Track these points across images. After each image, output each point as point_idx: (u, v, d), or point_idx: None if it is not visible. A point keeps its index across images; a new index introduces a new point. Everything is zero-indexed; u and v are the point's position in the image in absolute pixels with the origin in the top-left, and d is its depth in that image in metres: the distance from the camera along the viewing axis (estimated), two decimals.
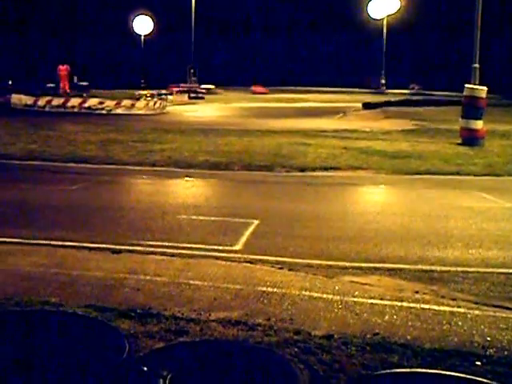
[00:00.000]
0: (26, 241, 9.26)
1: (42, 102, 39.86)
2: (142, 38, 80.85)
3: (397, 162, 17.70)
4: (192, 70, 65.72)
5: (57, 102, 39.80)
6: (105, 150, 19.57)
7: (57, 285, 7.13)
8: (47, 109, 38.90)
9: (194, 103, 50.74)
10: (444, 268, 8.38)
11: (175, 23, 78.54)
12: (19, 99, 40.13)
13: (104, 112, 37.77)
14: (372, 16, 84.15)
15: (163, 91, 52.65)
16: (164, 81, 64.15)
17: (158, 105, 40.26)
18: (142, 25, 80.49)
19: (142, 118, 34.35)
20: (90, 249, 8.93)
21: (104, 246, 9.08)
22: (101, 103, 39.03)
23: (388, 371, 4.04)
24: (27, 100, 40.13)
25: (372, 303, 6.84)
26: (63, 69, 44.18)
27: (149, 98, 43.61)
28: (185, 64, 67.12)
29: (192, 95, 56.88)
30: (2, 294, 6.63)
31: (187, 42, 66.88)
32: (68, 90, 45.25)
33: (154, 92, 50.99)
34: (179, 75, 66.35)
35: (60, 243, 9.17)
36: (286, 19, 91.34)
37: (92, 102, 39.44)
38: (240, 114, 38.79)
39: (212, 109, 43.32)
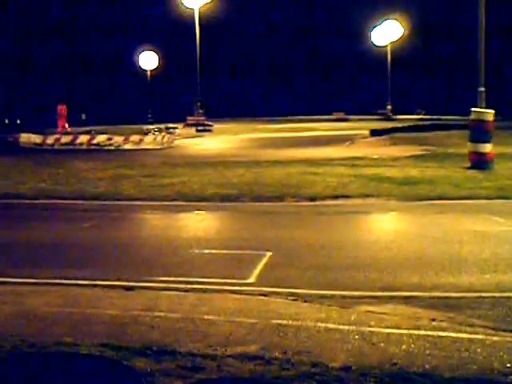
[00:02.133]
0: (38, 280, 9.25)
1: (50, 140, 40.08)
2: (148, 73, 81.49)
3: (407, 188, 17.65)
4: (199, 103, 66.04)
5: (65, 139, 40.00)
6: (114, 186, 19.60)
7: (71, 324, 7.10)
8: (56, 147, 39.09)
9: (201, 136, 50.92)
10: (460, 294, 8.31)
11: (180, 58, 79.11)
12: (28, 138, 40.36)
13: (112, 148, 37.91)
14: (376, 43, 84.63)
15: (171, 125, 52.89)
16: (171, 115, 64.51)
17: (165, 139, 40.40)
18: (148, 60, 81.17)
19: (150, 153, 34.46)
20: (103, 286, 8.90)
21: (117, 283, 9.06)
22: (109, 139, 39.19)
23: None
24: (36, 138, 40.35)
25: (388, 332, 6.78)
26: (62, 108, 44.66)
27: (156, 133, 43.77)
28: (191, 98, 67.47)
29: (200, 128, 57.11)
30: (17, 335, 6.60)
31: (193, 76, 67.24)
32: (68, 129, 45.59)
33: (162, 126, 51.23)
34: (186, 109, 66.70)
35: (72, 282, 9.15)
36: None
37: (100, 138, 39.61)
38: (248, 145, 38.88)
39: (220, 141, 43.45)
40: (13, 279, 9.33)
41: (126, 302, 8.09)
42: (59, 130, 46.02)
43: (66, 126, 45.18)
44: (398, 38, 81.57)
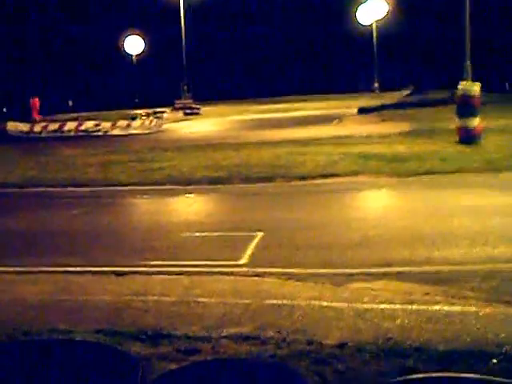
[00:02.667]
0: (30, 269, 9.23)
1: (37, 128, 39.88)
2: (134, 57, 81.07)
3: (396, 164, 17.65)
4: (186, 87, 65.80)
5: (52, 126, 39.79)
6: (103, 172, 19.53)
7: (64, 311, 7.10)
8: (43, 134, 38.89)
9: (189, 119, 50.78)
10: (451, 268, 8.35)
11: (166, 41, 78.68)
12: (15, 126, 40.15)
13: (100, 134, 37.75)
14: (361, 22, 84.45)
15: (158, 109, 52.70)
16: (158, 99, 64.29)
17: (153, 123, 40.25)
18: (133, 44, 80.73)
19: (138, 138, 34.35)
20: (95, 273, 8.89)
21: (108, 269, 9.04)
22: (96, 125, 39.02)
23: (405, 378, 3.98)
24: (23, 127, 40.14)
25: (382, 308, 6.81)
26: (34, 101, 44.29)
27: (144, 117, 43.59)
28: (178, 81, 67.19)
29: (187, 111, 56.92)
30: (10, 324, 6.59)
31: (179, 59, 66.93)
32: (38, 118, 45.05)
33: (150, 111, 51.03)
34: (173, 93, 66.44)
35: (64, 269, 9.13)
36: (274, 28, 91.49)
37: (88, 124, 39.43)
38: (236, 127, 38.79)
39: (208, 124, 43.33)
40: (3, 268, 9.31)
41: (119, 287, 8.08)
42: (33, 119, 45.23)
43: (37, 118, 44.62)
44: (383, 15, 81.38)
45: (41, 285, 8.31)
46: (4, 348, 3.95)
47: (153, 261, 9.36)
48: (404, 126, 30.34)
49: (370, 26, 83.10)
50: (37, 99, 43.81)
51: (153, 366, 5.27)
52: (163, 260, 9.39)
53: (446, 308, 6.72)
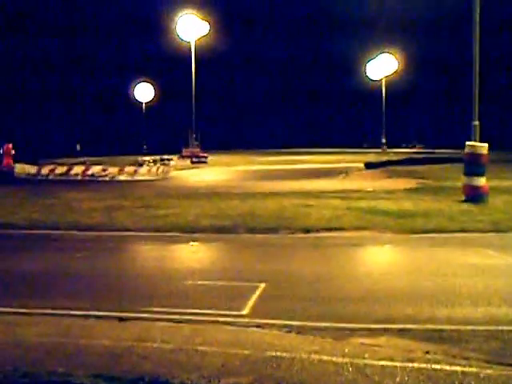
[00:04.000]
0: (32, 311, 9.22)
1: (45, 170, 40.11)
2: (144, 104, 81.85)
3: (401, 221, 17.67)
4: (194, 135, 66.32)
5: (60, 170, 40.04)
6: (108, 216, 19.58)
7: (64, 354, 7.07)
8: (51, 177, 39.12)
9: (196, 167, 51.05)
10: (454, 327, 8.30)
11: (175, 90, 79.47)
12: (22, 168, 40.40)
13: (107, 179, 37.97)
14: (370, 77, 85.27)
15: (165, 156, 53.03)
16: (166, 146, 64.75)
17: (160, 170, 40.50)
18: (143, 92, 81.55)
19: (145, 184, 34.50)
20: (96, 317, 8.87)
21: (110, 313, 9.03)
22: (104, 170, 39.26)
23: None
24: (30, 169, 40.38)
25: (382, 365, 6.76)
26: (8, 147, 43.51)
27: (151, 164, 43.85)
28: (186, 130, 67.71)
29: (195, 160, 57.29)
30: (10, 365, 6.56)
31: (188, 108, 67.54)
32: (8, 165, 43.50)
33: (157, 157, 51.35)
34: (181, 141, 66.93)
35: (65, 312, 9.12)
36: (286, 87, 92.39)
37: (95, 169, 39.68)
38: (243, 177, 38.98)
39: (215, 173, 43.55)
40: (5, 309, 9.30)
41: (119, 332, 8.06)
42: (4, 167, 43.78)
43: (11, 163, 43.53)
44: (392, 71, 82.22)
45: (42, 327, 8.29)
46: None
47: (155, 307, 9.34)
48: (410, 183, 30.46)
49: (379, 81, 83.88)
50: (10, 145, 43.27)
51: None
52: (165, 307, 9.36)
53: (447, 368, 6.68)
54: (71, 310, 9.22)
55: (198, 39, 66.62)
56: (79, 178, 38.68)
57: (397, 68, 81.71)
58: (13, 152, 42.96)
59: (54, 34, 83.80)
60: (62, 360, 6.84)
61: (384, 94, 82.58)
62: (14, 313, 9.13)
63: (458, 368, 6.65)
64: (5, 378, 6.09)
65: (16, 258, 13.84)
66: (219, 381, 6.20)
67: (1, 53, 75.72)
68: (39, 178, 39.00)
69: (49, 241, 16.19)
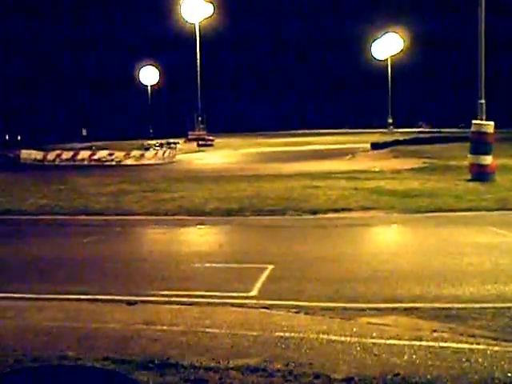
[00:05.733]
0: (41, 296, 9.27)
1: (51, 156, 40.15)
2: (149, 88, 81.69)
3: (408, 200, 17.68)
4: (200, 118, 66.20)
5: (66, 155, 40.07)
6: (116, 201, 19.64)
7: (73, 338, 7.12)
8: (57, 162, 39.18)
9: (203, 151, 51.04)
10: (461, 305, 8.32)
11: (180, 72, 79.28)
12: (29, 154, 40.45)
13: (114, 163, 38.01)
14: (376, 57, 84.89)
15: (172, 140, 53.01)
16: (172, 130, 64.70)
17: (167, 154, 40.50)
18: (148, 75, 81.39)
19: (151, 168, 34.54)
20: (105, 301, 8.93)
21: (119, 297, 9.08)
22: (110, 155, 39.29)
23: None
24: (37, 155, 40.43)
25: (390, 344, 6.80)
26: None
27: (158, 148, 43.87)
28: (192, 113, 67.58)
29: (201, 143, 57.25)
30: (20, 349, 6.62)
31: (194, 90, 67.37)
32: None
33: (163, 141, 51.32)
34: (187, 124, 66.83)
35: (74, 297, 9.17)
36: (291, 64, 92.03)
37: (101, 153, 39.71)
38: (249, 159, 38.97)
39: (221, 156, 43.54)
40: (15, 294, 9.36)
41: (128, 316, 8.11)
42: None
43: None
44: (398, 51, 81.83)
45: (50, 312, 8.35)
46: (13, 373, 4.01)
47: (163, 290, 9.39)
48: (417, 163, 30.42)
49: (385, 61, 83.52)
50: None
51: None
52: (174, 290, 9.41)
53: (454, 345, 6.71)
54: (80, 294, 9.27)
55: (203, 21, 66.31)
56: (85, 163, 38.73)
57: (402, 47, 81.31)
58: None
59: (59, 17, 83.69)
60: (71, 344, 6.89)
61: (390, 74, 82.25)
62: (23, 298, 9.19)
63: (466, 345, 6.68)
64: (15, 362, 6.15)
65: (24, 244, 13.91)
66: (229, 362, 6.23)
67: (6, 37, 75.63)
68: (46, 163, 39.04)
69: (57, 226, 16.26)
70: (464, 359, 6.25)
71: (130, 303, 8.71)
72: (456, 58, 77.08)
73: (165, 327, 7.49)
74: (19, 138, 53.00)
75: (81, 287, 9.74)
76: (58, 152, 40.84)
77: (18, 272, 11.11)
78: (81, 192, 22.48)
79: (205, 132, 63.61)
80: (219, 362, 6.24)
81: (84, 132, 72.70)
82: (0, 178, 28.95)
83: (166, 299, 8.91)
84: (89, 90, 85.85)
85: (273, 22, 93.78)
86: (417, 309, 8.22)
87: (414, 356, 6.38)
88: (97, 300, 8.98)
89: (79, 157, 39.56)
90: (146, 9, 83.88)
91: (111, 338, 7.12)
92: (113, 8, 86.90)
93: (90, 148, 42.67)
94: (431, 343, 6.77)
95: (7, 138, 46.09)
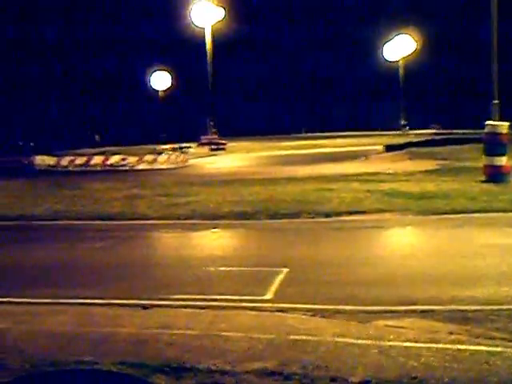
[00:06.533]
0: (56, 300, 9.30)
1: (64, 161, 40.27)
2: (161, 92, 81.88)
3: (422, 202, 17.59)
4: (212, 123, 66.25)
5: (80, 161, 40.17)
6: (129, 205, 19.65)
7: (89, 343, 7.13)
8: (70, 168, 39.28)
9: (215, 155, 51.06)
10: (477, 307, 8.27)
11: (192, 77, 79.43)
12: (42, 160, 40.58)
13: (127, 168, 38.05)
14: (388, 58, 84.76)
15: (184, 144, 53.07)
16: (184, 134, 64.80)
17: (179, 158, 40.53)
18: (160, 80, 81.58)
19: (164, 173, 34.55)
20: (120, 305, 8.93)
21: (134, 301, 9.09)
22: (123, 160, 39.33)
23: None
24: (50, 160, 40.55)
25: (407, 346, 6.77)
26: None
27: (170, 152, 43.91)
28: (204, 117, 67.65)
29: (213, 147, 57.28)
30: (36, 354, 6.63)
31: (205, 94, 67.41)
32: None
33: (176, 146, 51.39)
34: (199, 128, 66.93)
35: (90, 301, 9.19)
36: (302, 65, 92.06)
37: (114, 159, 39.75)
38: (262, 162, 38.94)
39: (234, 159, 43.54)
40: (30, 299, 9.39)
41: (144, 320, 8.11)
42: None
43: None
44: (410, 52, 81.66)
45: (67, 316, 8.36)
46: (29, 378, 4.00)
47: (178, 294, 9.38)
48: (431, 164, 30.28)
49: (397, 62, 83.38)
50: None
51: None
52: (188, 294, 9.41)
53: (472, 348, 6.67)
54: (95, 299, 9.29)
55: (214, 24, 66.36)
56: (99, 168, 38.79)
57: (414, 49, 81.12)
58: None
59: (70, 22, 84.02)
60: (87, 348, 6.90)
61: (402, 76, 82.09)
62: (38, 303, 9.21)
63: (483, 348, 6.64)
64: (32, 366, 6.16)
65: (39, 249, 13.95)
66: (244, 366, 6.22)
67: (18, 40, 75.97)
68: (59, 169, 39.16)
69: (71, 231, 16.30)
70: (482, 362, 6.21)
71: (145, 307, 8.71)
72: (468, 59, 76.87)
73: (180, 331, 7.49)
74: (32, 144, 53.22)
75: (96, 292, 9.76)
76: (72, 158, 40.92)
77: (33, 277, 11.14)
78: (94, 197, 22.51)
79: (217, 136, 63.59)
80: (235, 366, 6.23)
81: (97, 137, 72.92)
82: (14, 184, 29.06)
83: (181, 303, 8.91)
84: (100, 95, 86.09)
85: (284, 25, 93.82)
86: (433, 311, 8.18)
87: (430, 359, 6.35)
88: (112, 304, 8.99)
89: (92, 162, 39.63)
90: (157, 13, 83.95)
91: (127, 342, 7.13)
92: (124, 12, 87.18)
93: (103, 153, 42.72)
94: (448, 346, 6.73)
95: (21, 144, 46.31)
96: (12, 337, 7.51)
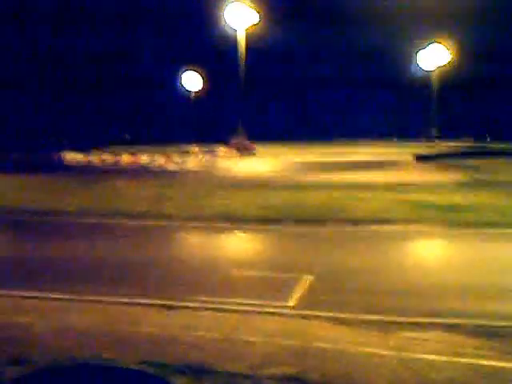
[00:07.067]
0: (79, 297, 9.32)
1: (94, 159, 40.54)
2: (192, 94, 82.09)
3: (451, 215, 17.40)
4: (241, 126, 66.25)
5: (109, 159, 40.43)
6: (156, 205, 19.69)
7: (111, 341, 7.12)
8: (99, 165, 39.53)
9: (244, 158, 51.02)
10: (504, 323, 8.16)
11: (224, 79, 79.57)
12: (73, 157, 40.90)
13: (155, 168, 38.20)
14: (422, 67, 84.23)
15: (213, 147, 53.13)
16: (213, 136, 64.88)
17: (208, 160, 40.61)
18: (191, 81, 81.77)
19: (192, 174, 34.61)
20: (144, 305, 8.93)
21: (157, 301, 9.08)
22: (152, 159, 39.52)
23: None
24: (80, 158, 40.85)
25: (429, 359, 6.67)
26: None
27: (199, 154, 44.00)
28: (234, 119, 67.71)
29: (242, 150, 57.25)
30: (58, 349, 6.63)
31: (237, 97, 67.45)
32: None
33: (204, 148, 51.46)
34: (229, 131, 66.98)
35: (113, 299, 9.20)
36: (336, 73, 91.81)
37: (143, 158, 39.97)
38: (291, 168, 38.84)
39: (263, 163, 43.47)
40: (54, 295, 9.42)
41: (166, 320, 8.10)
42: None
43: None
44: (445, 62, 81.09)
45: (90, 313, 8.38)
46: (50, 372, 4.00)
47: (201, 297, 9.36)
48: (461, 176, 30.01)
49: (430, 71, 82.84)
50: None
51: None
52: (212, 297, 9.38)
53: (497, 364, 6.56)
54: (118, 296, 9.29)
55: (248, 28, 66.38)
56: (128, 166, 38.99)
57: (448, 58, 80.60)
58: None
59: (104, 24, 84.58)
60: (108, 346, 6.88)
61: (434, 85, 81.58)
62: (61, 299, 9.24)
63: (509, 364, 6.54)
64: (53, 361, 6.16)
65: (65, 245, 14.01)
66: (264, 370, 6.17)
67: (54, 44, 76.79)
68: (89, 166, 39.42)
69: (98, 228, 16.35)
70: (507, 379, 6.11)
71: (167, 308, 8.70)
72: (505, 69, 76.20)
73: (202, 333, 7.46)
74: (63, 141, 53.70)
75: (119, 290, 9.77)
76: (102, 156, 41.24)
77: (57, 273, 11.18)
78: (122, 196, 22.59)
79: (246, 139, 63.60)
80: (255, 370, 6.18)
81: (127, 136, 73.31)
82: (44, 180, 29.28)
83: (204, 305, 8.89)
84: (132, 94, 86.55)
85: (316, 31, 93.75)
86: (458, 325, 8.07)
87: (454, 373, 6.25)
88: (135, 303, 8.99)
89: (121, 160, 39.90)
90: (191, 15, 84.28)
91: (149, 342, 7.11)
92: (158, 14, 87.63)
93: (132, 152, 42.93)
94: (472, 360, 6.63)
95: (52, 141, 46.72)
96: (35, 331, 7.53)
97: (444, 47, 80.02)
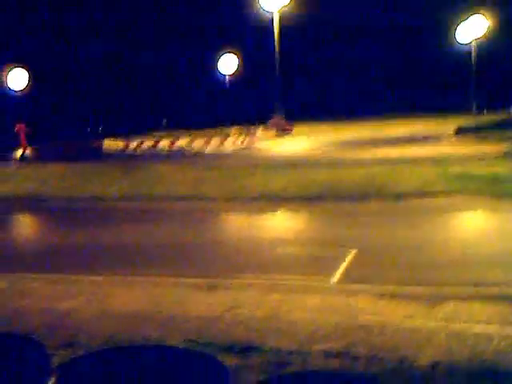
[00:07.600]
0: (125, 279, 9.41)
1: (133, 145, 40.75)
2: (227, 76, 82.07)
3: (494, 186, 17.18)
4: (278, 106, 66.11)
5: (147, 144, 40.61)
6: (196, 187, 19.73)
7: (156, 321, 7.19)
8: (138, 151, 39.73)
9: (282, 137, 50.94)
10: None
11: (259, 60, 79.35)
12: (110, 143, 41.16)
13: (194, 151, 38.29)
14: (460, 41, 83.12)
15: (251, 127, 53.09)
16: (251, 117, 64.80)
17: (246, 141, 40.61)
18: (227, 63, 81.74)
19: (231, 155, 34.64)
20: (188, 285, 8.98)
21: (201, 281, 9.12)
22: (190, 143, 39.61)
23: None
24: (119, 144, 41.09)
25: (477, 330, 6.61)
26: (20, 127, 39.60)
27: (237, 135, 44.00)
28: (271, 100, 67.54)
29: (280, 130, 57.14)
30: (105, 331, 6.71)
31: (273, 78, 67.27)
32: (26, 148, 40.21)
33: (242, 129, 51.45)
34: (266, 111, 66.86)
35: (158, 280, 9.27)
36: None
37: (181, 142, 40.07)
38: (329, 146, 38.66)
39: (300, 142, 43.33)
40: (99, 277, 9.53)
41: (211, 300, 8.13)
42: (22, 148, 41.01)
43: (25, 147, 40.12)
44: (483, 33, 79.85)
45: (135, 295, 8.45)
46: (100, 354, 4.03)
47: (245, 275, 9.39)
48: (504, 147, 29.56)
49: (470, 44, 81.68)
50: (23, 125, 39.82)
51: (243, 377, 5.27)
52: (256, 275, 9.41)
53: None
54: (163, 277, 9.37)
55: (281, 9, 66.13)
56: (166, 151, 39.12)
57: (488, 30, 79.30)
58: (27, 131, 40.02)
59: (138, 8, 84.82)
60: (155, 326, 6.95)
61: (474, 58, 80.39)
62: (107, 282, 9.34)
63: None
64: (102, 343, 6.23)
65: (108, 229, 14.15)
66: (311, 346, 6.18)
67: (86, 30, 77.23)
68: (127, 152, 39.64)
69: (140, 212, 16.49)
70: None
71: (211, 287, 8.74)
72: None
73: (246, 312, 7.48)
74: (101, 127, 54.12)
75: (164, 271, 9.84)
76: (140, 141, 41.41)
77: (101, 256, 11.31)
78: (162, 179, 22.69)
79: (284, 119, 63.43)
80: (301, 346, 6.19)
81: (164, 121, 73.55)
82: (84, 167, 29.52)
83: (249, 282, 8.91)
84: (168, 79, 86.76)
85: (352, 8, 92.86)
86: (506, 295, 7.98)
87: (502, 343, 6.19)
88: (179, 283, 9.05)
89: (160, 145, 40.02)
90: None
91: (194, 322, 7.16)
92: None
93: (170, 137, 43.06)
94: None
95: (89, 128, 47.21)
96: (83, 315, 7.62)
97: (485, 18, 78.73)
